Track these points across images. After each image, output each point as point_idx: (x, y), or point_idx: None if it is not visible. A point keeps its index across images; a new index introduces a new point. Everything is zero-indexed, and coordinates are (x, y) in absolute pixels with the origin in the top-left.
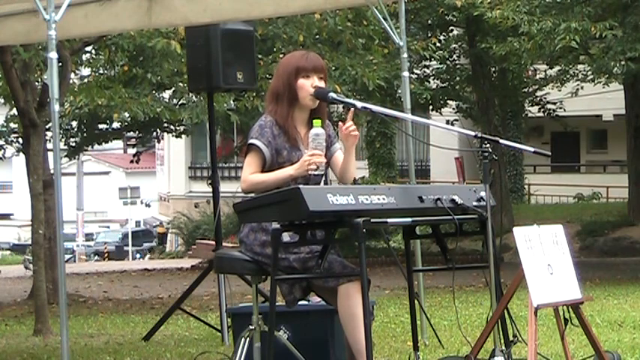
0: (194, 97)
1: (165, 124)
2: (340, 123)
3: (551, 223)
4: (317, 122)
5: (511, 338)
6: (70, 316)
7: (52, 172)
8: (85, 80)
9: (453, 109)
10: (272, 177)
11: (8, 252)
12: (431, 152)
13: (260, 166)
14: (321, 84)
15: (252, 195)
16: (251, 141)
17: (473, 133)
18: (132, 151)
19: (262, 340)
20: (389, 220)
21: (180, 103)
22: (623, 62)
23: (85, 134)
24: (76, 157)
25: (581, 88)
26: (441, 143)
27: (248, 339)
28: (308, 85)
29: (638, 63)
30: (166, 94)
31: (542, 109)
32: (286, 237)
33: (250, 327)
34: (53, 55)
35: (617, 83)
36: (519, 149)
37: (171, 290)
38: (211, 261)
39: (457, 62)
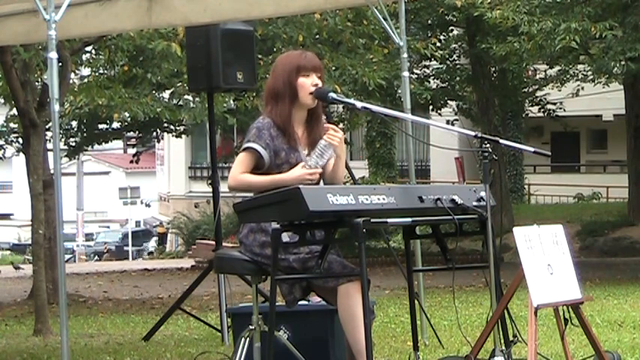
0: (191, 98)
1: (165, 124)
2: (328, 126)
3: (551, 223)
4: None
5: (511, 338)
6: (70, 316)
7: (52, 172)
8: (85, 80)
9: (453, 109)
10: (264, 181)
11: (8, 252)
12: (431, 152)
13: (251, 167)
14: (320, 83)
15: (252, 195)
16: (249, 145)
17: (473, 133)
18: (132, 151)
19: (262, 340)
20: (389, 220)
21: (179, 103)
22: (623, 62)
23: (85, 134)
24: (76, 157)
25: (582, 88)
26: (441, 143)
27: (248, 339)
28: (308, 83)
29: (638, 63)
30: (166, 94)
31: (542, 109)
32: (285, 237)
33: (250, 327)
34: (53, 55)
35: (617, 83)
36: (519, 149)
37: (171, 290)
38: (211, 261)
39: (457, 62)
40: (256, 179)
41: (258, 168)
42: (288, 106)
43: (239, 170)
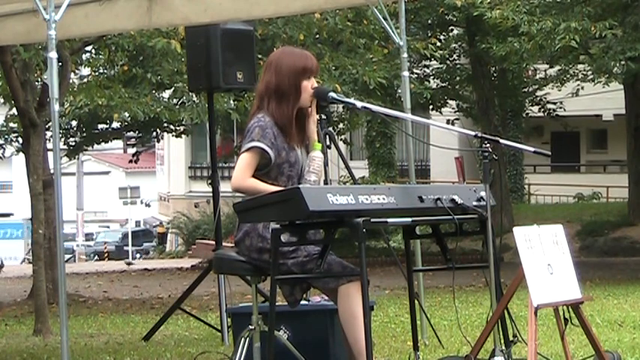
0: (194, 97)
1: (165, 124)
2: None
3: (551, 223)
4: (317, 146)
5: (511, 338)
6: (70, 316)
7: (52, 172)
8: (85, 80)
9: (453, 108)
10: (271, 190)
11: None
12: (431, 152)
13: (256, 168)
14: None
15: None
16: (256, 144)
17: (473, 133)
18: (132, 150)
19: (262, 340)
20: (389, 220)
21: (180, 102)
22: (623, 62)
23: (84, 134)
24: (76, 157)
25: (582, 88)
26: (441, 143)
27: (248, 339)
28: (309, 86)
29: (638, 63)
30: (166, 93)
31: (542, 109)
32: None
33: (250, 327)
34: (53, 55)
35: (617, 83)
36: (519, 149)
37: (171, 290)
38: (211, 261)
39: (457, 62)
40: (264, 188)
41: (261, 168)
42: (291, 108)
43: (247, 174)
